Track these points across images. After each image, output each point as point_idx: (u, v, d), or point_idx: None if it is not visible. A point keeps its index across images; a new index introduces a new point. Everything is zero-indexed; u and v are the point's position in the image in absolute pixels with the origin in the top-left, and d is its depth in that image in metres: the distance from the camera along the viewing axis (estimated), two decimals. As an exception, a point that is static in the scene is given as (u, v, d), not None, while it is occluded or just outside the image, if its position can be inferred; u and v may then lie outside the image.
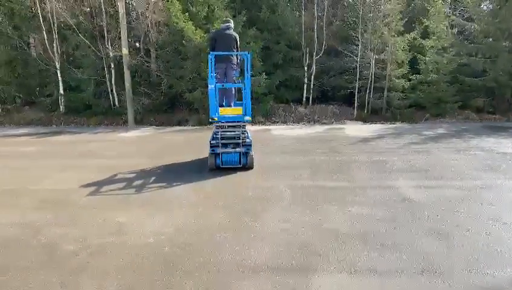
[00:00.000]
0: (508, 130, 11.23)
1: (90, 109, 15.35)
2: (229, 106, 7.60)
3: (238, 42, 7.58)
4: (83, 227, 4.78)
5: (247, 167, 7.32)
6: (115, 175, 7.17)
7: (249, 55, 7.09)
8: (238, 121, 7.24)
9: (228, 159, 7.25)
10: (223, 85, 7.35)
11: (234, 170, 7.26)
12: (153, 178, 6.96)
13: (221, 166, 7.25)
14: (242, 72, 7.82)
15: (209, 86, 7.10)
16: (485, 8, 15.84)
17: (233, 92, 7.82)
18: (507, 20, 13.69)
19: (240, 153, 7.22)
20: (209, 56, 7.07)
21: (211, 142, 7.22)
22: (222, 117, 7.24)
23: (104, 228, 4.72)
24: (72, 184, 6.60)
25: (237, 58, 7.63)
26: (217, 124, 7.28)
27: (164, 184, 6.53)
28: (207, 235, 4.48)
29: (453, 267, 3.64)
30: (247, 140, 7.28)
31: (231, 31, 7.51)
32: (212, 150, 7.20)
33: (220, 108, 7.31)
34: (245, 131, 7.32)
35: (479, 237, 4.26)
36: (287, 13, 15.86)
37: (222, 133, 7.22)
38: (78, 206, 5.56)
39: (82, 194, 6.04)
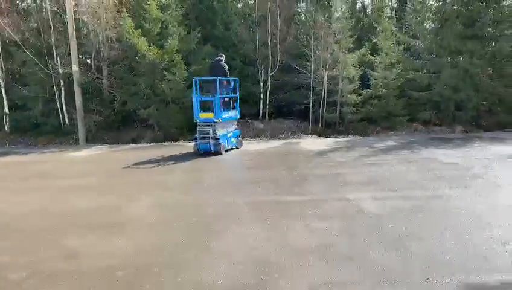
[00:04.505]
0: (453, 141, 11.83)
1: (39, 128, 14.69)
2: (213, 112, 10.26)
3: (226, 70, 10.70)
4: (32, 253, 4.51)
5: (217, 152, 10.25)
6: (66, 197, 6.86)
7: (218, 79, 10.12)
8: (210, 122, 10.21)
9: (204, 147, 10.33)
10: (201, 99, 10.45)
11: (195, 182, 7.29)
12: (107, 199, 6.72)
13: (200, 152, 10.36)
14: (233, 90, 11.23)
15: (193, 98, 10.37)
16: (428, 26, 16.78)
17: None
18: (448, 37, 14.57)
19: (210, 143, 10.20)
20: (194, 80, 10.49)
21: (195, 135, 10.48)
22: (201, 119, 10.35)
23: (55, 254, 4.48)
24: (21, 208, 6.25)
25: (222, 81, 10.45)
26: (198, 124, 10.34)
27: (118, 205, 6.31)
28: (164, 255, 4.36)
29: (410, 277, 3.74)
30: (217, 134, 10.20)
31: (222, 63, 10.66)
32: (194, 141, 10.56)
33: (200, 113, 10.35)
34: (215, 129, 10.16)
35: (432, 246, 4.41)
36: (242, 30, 16.06)
37: (201, 130, 10.28)
38: (27, 231, 5.25)
39: (31, 219, 5.73)
